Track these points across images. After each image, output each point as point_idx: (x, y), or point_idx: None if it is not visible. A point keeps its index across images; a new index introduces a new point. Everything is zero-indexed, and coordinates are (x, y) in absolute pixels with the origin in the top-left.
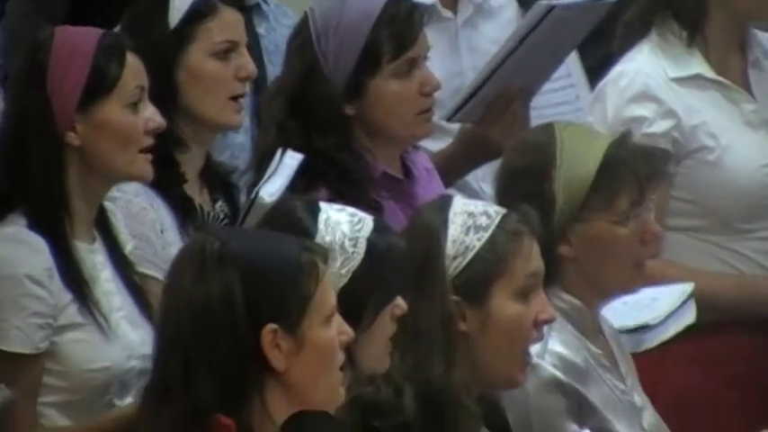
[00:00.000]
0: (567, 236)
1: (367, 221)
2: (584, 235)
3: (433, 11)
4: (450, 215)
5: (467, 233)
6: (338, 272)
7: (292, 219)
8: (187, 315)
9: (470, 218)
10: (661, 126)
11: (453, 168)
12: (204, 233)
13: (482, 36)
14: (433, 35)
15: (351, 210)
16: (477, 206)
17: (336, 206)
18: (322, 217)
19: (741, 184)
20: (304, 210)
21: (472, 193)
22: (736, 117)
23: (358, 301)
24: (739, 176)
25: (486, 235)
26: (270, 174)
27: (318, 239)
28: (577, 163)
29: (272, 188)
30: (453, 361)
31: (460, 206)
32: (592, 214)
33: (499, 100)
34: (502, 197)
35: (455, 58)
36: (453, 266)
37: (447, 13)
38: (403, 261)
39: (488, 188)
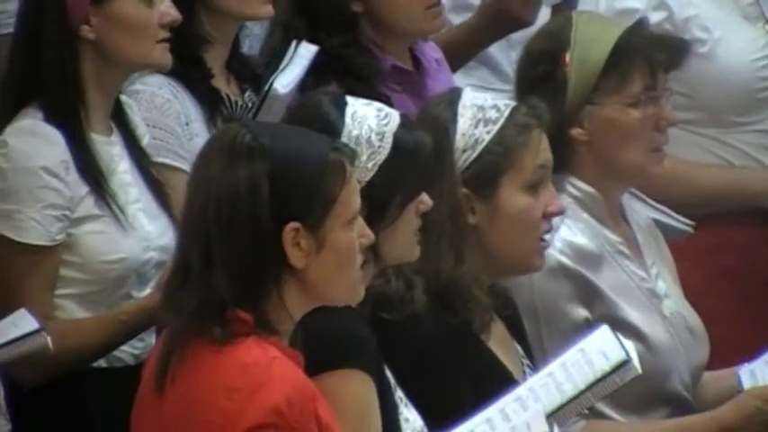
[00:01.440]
0: (580, 119)
1: (394, 116)
2: (596, 118)
3: None
4: (460, 108)
5: (476, 126)
6: (364, 166)
7: (319, 112)
8: (212, 204)
9: (480, 111)
10: (653, 18)
11: (475, 41)
12: (237, 124)
13: None
14: None
15: (378, 104)
16: (486, 99)
17: (363, 100)
18: (349, 111)
19: (733, 78)
20: (331, 103)
21: (503, 76)
22: (731, 10)
23: (383, 195)
24: (731, 69)
25: (496, 128)
26: (284, 65)
27: (345, 133)
28: (591, 45)
29: (286, 79)
30: (463, 253)
31: (470, 99)
32: (604, 97)
33: None
34: (520, 80)
35: None
36: (462, 160)
37: None
38: (428, 156)
39: None
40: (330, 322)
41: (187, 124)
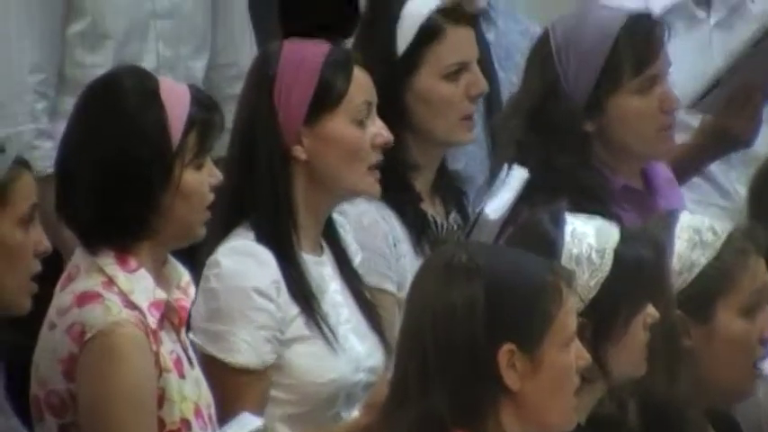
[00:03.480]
0: None
1: (613, 232)
2: None
3: (684, 13)
4: (677, 231)
5: (693, 249)
6: (587, 283)
7: (539, 231)
8: (428, 323)
9: (696, 234)
10: None
11: (696, 160)
12: (454, 244)
13: (737, 38)
14: (684, 34)
15: (597, 221)
16: (703, 222)
17: (582, 217)
18: (568, 229)
19: None
20: (550, 222)
21: (725, 194)
22: None
23: (608, 311)
24: None
25: (713, 252)
26: (495, 190)
27: (565, 252)
28: None
29: (496, 204)
30: (677, 375)
31: (687, 222)
32: None
33: (740, 92)
34: (754, 198)
35: (707, 58)
36: (678, 282)
37: (700, 14)
38: (652, 270)
39: (743, 190)
40: None
41: (395, 245)
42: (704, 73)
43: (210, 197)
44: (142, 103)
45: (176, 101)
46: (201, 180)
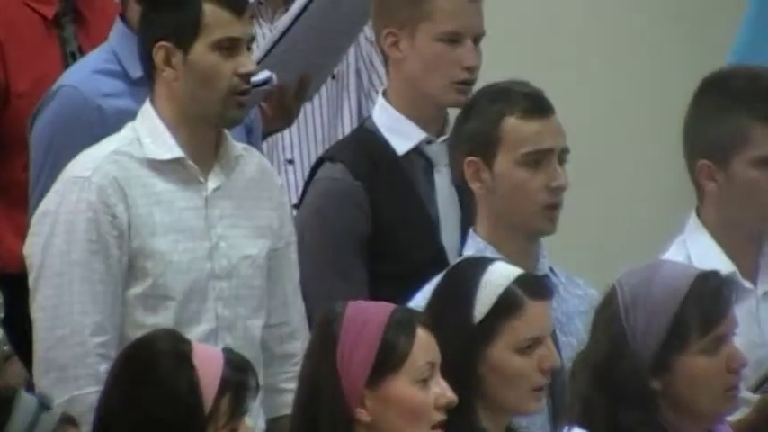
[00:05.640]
0: None
1: None
2: None
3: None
4: None
5: None
6: None
7: None
8: None
9: None
10: None
11: None
12: None
13: None
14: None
15: None
16: None
17: None
18: None
19: None
20: None
21: None
22: None
23: None
24: None
25: None
26: None
27: None
28: None
29: None
30: None
31: None
32: None
33: None
34: None
35: (755, 328)
36: None
37: (747, 284)
38: None
39: None
40: None
41: None
42: (753, 343)
43: None
44: (174, 366)
45: (209, 364)
46: None
